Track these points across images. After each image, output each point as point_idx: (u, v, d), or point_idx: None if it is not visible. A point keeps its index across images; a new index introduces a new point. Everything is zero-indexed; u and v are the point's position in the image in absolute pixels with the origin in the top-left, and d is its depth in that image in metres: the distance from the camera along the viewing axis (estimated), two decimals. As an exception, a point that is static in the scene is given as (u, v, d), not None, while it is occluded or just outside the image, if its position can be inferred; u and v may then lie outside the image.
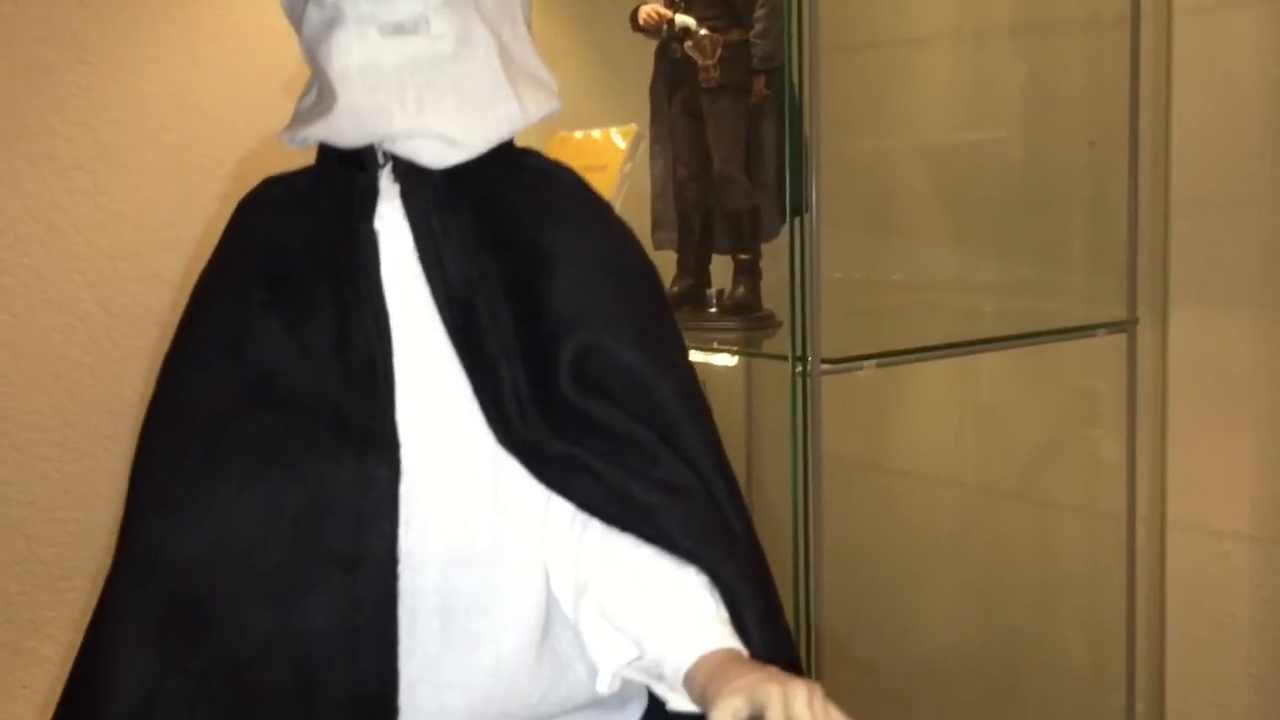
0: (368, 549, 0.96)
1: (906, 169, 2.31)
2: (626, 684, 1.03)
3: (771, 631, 1.03)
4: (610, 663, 1.01)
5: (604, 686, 1.02)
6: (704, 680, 0.93)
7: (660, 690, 0.99)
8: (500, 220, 1.05)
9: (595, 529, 1.02)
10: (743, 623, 1.00)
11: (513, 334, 1.02)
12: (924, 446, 2.42)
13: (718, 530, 1.02)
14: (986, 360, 2.20)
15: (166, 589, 0.96)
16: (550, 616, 1.04)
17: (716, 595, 1.00)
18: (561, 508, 1.03)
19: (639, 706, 1.11)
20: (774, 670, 0.91)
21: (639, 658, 1.00)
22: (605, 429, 1.01)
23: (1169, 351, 2.08)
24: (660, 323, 1.10)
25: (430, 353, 1.02)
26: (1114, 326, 2.03)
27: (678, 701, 0.97)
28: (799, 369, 1.61)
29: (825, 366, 1.61)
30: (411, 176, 1.03)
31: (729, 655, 0.95)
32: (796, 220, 1.60)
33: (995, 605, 2.41)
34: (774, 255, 1.85)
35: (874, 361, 1.67)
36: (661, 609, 0.98)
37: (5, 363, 1.77)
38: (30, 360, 1.79)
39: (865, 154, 2.24)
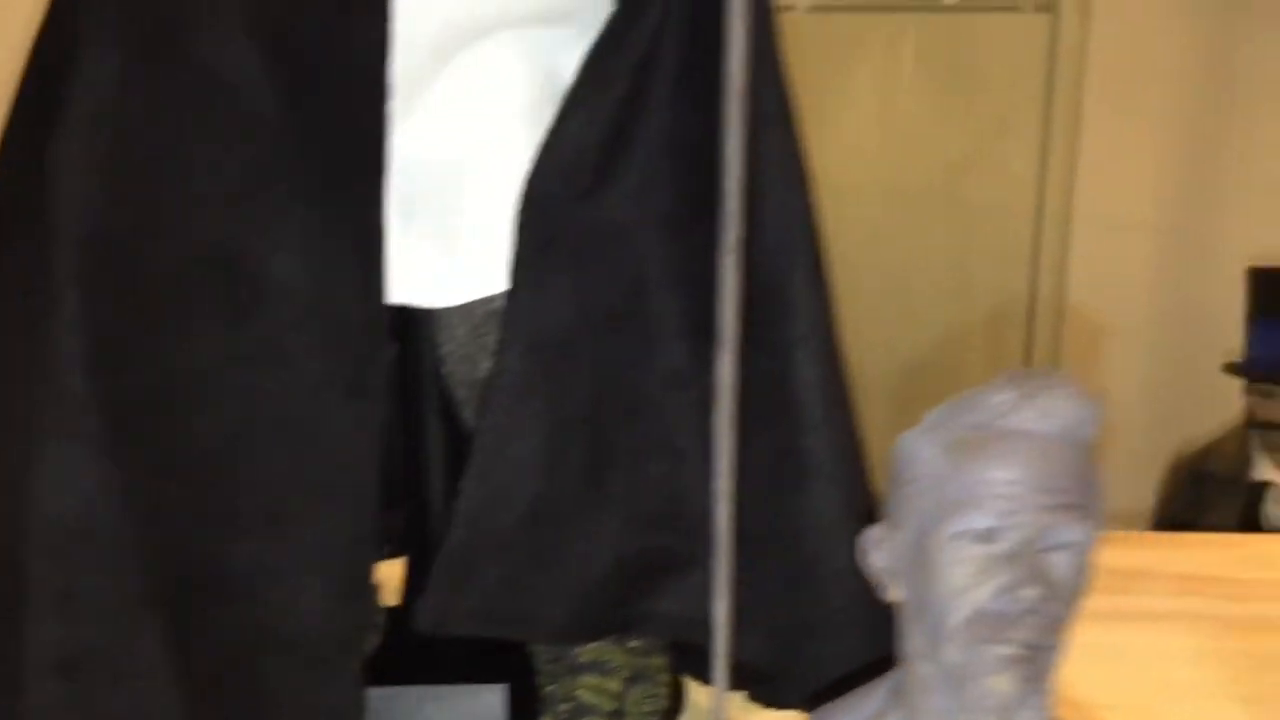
0: None
1: None
2: None
3: None
4: None
5: None
6: None
7: None
8: None
9: None
10: None
11: None
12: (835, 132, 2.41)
13: None
14: (909, 37, 2.18)
15: None
16: None
17: None
18: None
19: None
20: None
21: None
22: None
23: (1090, 36, 2.09)
24: None
25: None
26: (1040, 3, 2.03)
27: None
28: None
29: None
30: None
31: None
32: None
33: (907, 304, 2.46)
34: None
35: (808, 4, 1.65)
36: None
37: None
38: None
39: None
